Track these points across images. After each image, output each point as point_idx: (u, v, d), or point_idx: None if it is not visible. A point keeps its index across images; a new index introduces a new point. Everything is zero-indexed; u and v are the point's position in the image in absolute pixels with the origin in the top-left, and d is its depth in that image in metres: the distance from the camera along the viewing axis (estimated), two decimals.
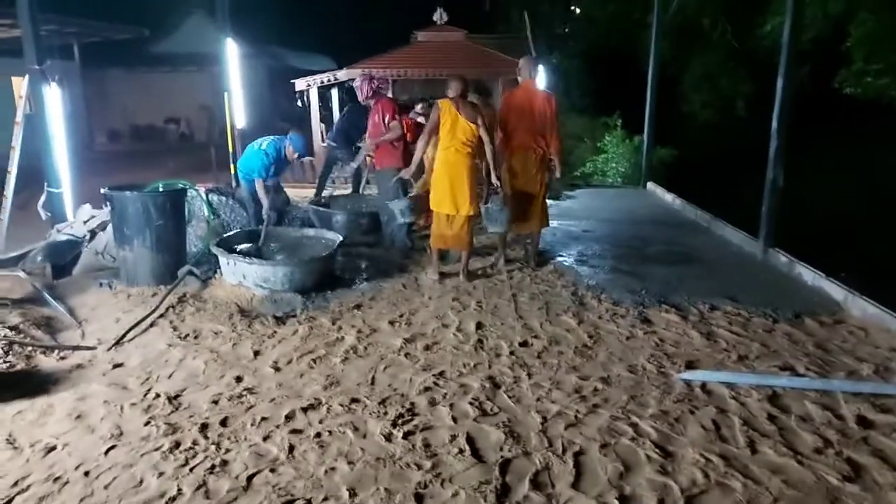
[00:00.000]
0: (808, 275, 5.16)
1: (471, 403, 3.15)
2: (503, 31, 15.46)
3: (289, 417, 3.03)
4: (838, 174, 9.82)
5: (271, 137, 6.10)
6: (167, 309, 4.47)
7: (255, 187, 5.91)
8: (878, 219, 7.80)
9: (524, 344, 3.89)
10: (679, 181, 9.53)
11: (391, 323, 4.25)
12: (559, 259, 5.83)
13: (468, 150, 5.06)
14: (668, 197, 8.94)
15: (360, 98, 5.89)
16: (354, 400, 3.20)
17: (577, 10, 18.97)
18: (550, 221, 5.94)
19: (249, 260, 4.69)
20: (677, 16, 10.49)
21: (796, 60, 5.52)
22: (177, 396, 3.25)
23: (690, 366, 3.58)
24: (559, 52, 13.85)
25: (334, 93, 12.78)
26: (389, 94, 6.05)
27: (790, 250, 5.61)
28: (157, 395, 3.24)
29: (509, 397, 3.23)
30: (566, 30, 19.35)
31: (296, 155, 6.09)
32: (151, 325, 4.21)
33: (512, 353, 3.76)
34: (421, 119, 6.60)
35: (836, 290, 4.77)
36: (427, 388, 3.31)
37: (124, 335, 3.96)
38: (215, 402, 3.19)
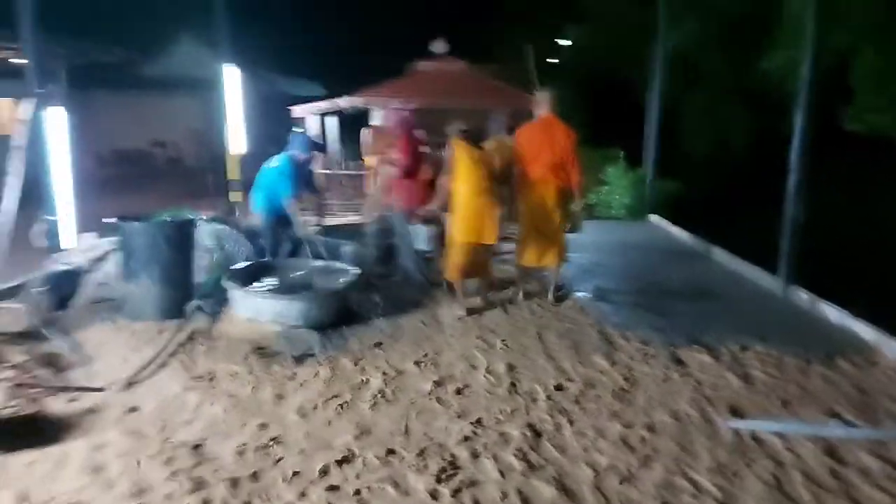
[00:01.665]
0: (833, 313, 5.08)
1: (515, 455, 2.97)
2: (501, 62, 15.53)
3: (323, 472, 2.83)
4: (846, 210, 9.87)
5: (275, 157, 5.96)
6: (177, 347, 4.25)
7: (270, 219, 5.77)
8: (891, 253, 7.78)
9: (559, 388, 3.73)
10: (682, 214, 9.52)
11: (417, 364, 4.07)
12: (578, 294, 5.70)
13: (486, 183, 5.02)
14: (675, 230, 8.89)
15: (390, 128, 5.75)
16: (390, 451, 3.01)
17: (566, 42, 19.15)
18: None
19: (264, 294, 4.49)
20: (673, 50, 10.56)
21: (813, 93, 5.51)
22: (198, 446, 3.03)
23: (734, 411, 3.45)
24: (551, 83, 13.93)
25: (331, 121, 12.68)
26: (415, 130, 5.84)
27: (806, 285, 5.55)
28: (178, 446, 3.02)
29: (554, 447, 3.06)
30: (557, 60, 19.53)
31: (304, 156, 5.94)
32: (162, 364, 3.99)
33: (549, 397, 3.60)
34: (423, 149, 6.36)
35: (864, 330, 4.69)
36: (466, 438, 3.13)
37: (135, 376, 3.73)
38: (241, 454, 2.98)
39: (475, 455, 2.98)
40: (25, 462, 2.83)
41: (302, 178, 5.96)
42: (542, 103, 5.34)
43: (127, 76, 18.78)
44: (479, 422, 3.30)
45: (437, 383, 3.77)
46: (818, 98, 5.61)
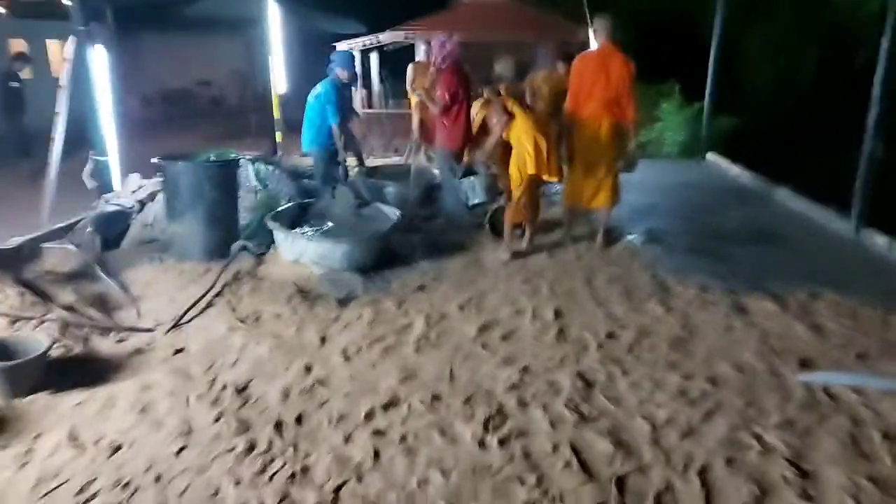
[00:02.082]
0: None
1: (566, 405, 2.84)
2: None
3: (368, 416, 2.77)
4: None
5: (318, 85, 5.82)
6: (222, 287, 4.23)
7: (322, 153, 5.70)
8: None
9: (611, 335, 3.56)
10: (741, 153, 8.99)
11: (460, 308, 3.94)
12: (629, 237, 5.44)
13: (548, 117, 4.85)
14: (734, 169, 8.40)
15: (433, 64, 5.46)
16: (435, 397, 2.92)
17: None
18: None
19: (308, 236, 4.41)
20: None
21: None
22: (244, 388, 3.01)
23: (804, 364, 3.22)
24: (604, 12, 13.08)
25: (373, 58, 12.34)
26: (461, 64, 5.53)
27: (882, 227, 5.15)
28: (224, 386, 3.00)
29: (607, 398, 2.91)
30: None
31: (346, 73, 5.84)
32: (208, 305, 3.98)
33: (600, 345, 3.43)
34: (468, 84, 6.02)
35: None
36: (513, 386, 3.02)
37: (182, 317, 3.73)
38: (286, 396, 2.94)
39: (523, 404, 2.86)
40: (75, 402, 2.85)
41: (343, 104, 5.82)
42: (600, 32, 4.96)
43: (171, 16, 18.64)
44: (526, 369, 3.18)
45: (482, 328, 3.65)
46: None
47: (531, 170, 4.68)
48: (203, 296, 4.02)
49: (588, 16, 10.54)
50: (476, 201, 5.07)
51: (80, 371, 3.11)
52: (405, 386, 3.03)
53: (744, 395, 2.92)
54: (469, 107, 5.43)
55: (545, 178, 4.79)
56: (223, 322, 3.71)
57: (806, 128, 10.20)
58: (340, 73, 5.75)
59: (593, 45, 4.98)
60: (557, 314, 3.85)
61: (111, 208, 5.22)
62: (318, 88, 5.74)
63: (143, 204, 5.27)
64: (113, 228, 5.07)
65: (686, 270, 4.59)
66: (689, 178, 8.10)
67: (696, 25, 10.30)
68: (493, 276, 4.57)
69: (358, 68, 10.87)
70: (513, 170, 4.80)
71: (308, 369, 3.19)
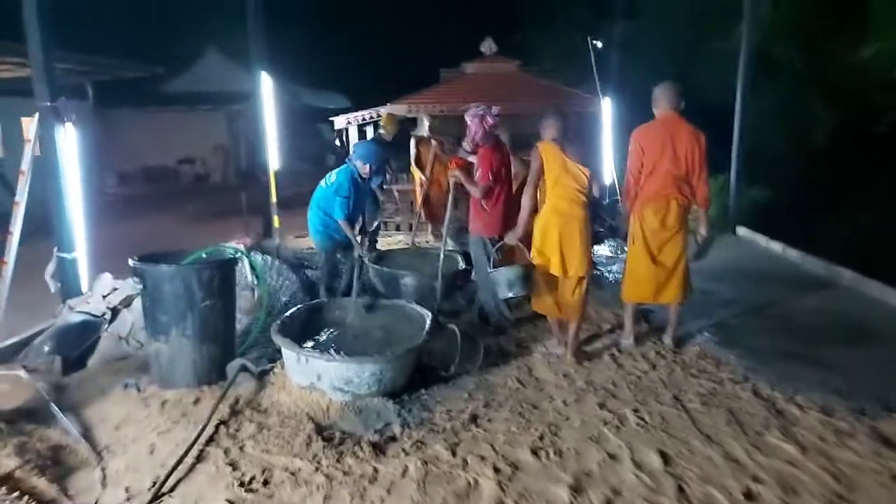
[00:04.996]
0: None
1: None
2: (540, 62, 14.43)
3: None
4: None
5: (338, 169, 5.06)
6: (217, 427, 3.27)
7: (328, 245, 4.91)
8: None
9: (749, 496, 2.66)
10: (769, 226, 8.37)
11: (534, 453, 3.02)
12: (697, 336, 4.61)
13: (583, 198, 4.08)
14: (774, 245, 7.70)
15: (469, 142, 4.66)
16: None
17: (598, 43, 17.83)
18: None
19: (327, 356, 3.50)
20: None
21: None
22: None
23: None
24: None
25: (369, 131, 11.76)
26: (499, 136, 4.80)
27: None
28: None
29: None
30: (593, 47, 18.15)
31: (367, 167, 5.03)
32: (199, 457, 3.01)
33: None
34: (472, 158, 5.28)
35: None
36: None
37: (163, 484, 2.75)
38: None
39: None
40: None
41: (358, 197, 5.04)
42: (662, 99, 4.28)
43: (153, 92, 18.16)
44: None
45: (575, 489, 2.72)
46: None
47: (544, 264, 4.09)
48: (194, 443, 3.05)
49: (598, 85, 10.18)
50: (510, 295, 4.24)
51: None
52: None
53: None
54: (510, 187, 4.67)
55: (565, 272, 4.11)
56: (220, 490, 2.74)
57: (821, 192, 9.69)
58: (361, 166, 5.00)
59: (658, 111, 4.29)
60: (664, 459, 2.95)
61: (76, 318, 4.28)
62: (334, 177, 5.00)
63: (115, 311, 4.33)
64: (78, 344, 4.12)
65: (791, 382, 3.74)
66: (728, 258, 7.35)
67: (706, 92, 9.87)
68: (558, 395, 3.68)
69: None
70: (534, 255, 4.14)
71: None
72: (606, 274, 6.53)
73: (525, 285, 4.16)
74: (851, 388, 3.69)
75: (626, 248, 4.45)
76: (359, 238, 5.15)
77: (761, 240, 8.03)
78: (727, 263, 7.00)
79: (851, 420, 3.29)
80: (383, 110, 9.37)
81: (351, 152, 5.27)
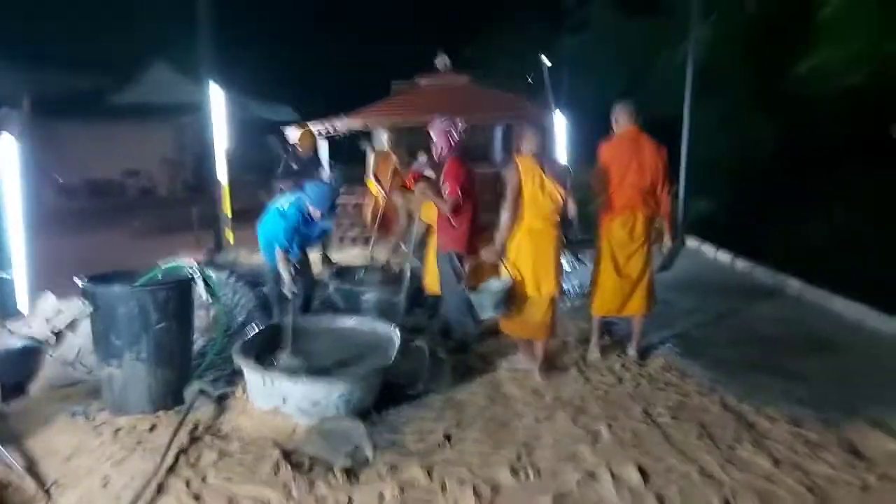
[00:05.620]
0: None
1: None
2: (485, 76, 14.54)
3: None
4: None
5: (294, 196, 4.75)
6: (177, 455, 3.08)
7: (276, 272, 4.59)
8: None
9: None
10: (716, 235, 8.62)
11: (513, 472, 2.95)
12: (661, 347, 4.65)
13: (556, 218, 4.08)
14: (723, 256, 7.92)
15: (436, 154, 4.55)
16: None
17: (546, 61, 18.17)
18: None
19: (295, 378, 3.35)
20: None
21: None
22: None
23: None
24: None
25: (322, 144, 11.55)
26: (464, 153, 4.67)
27: None
28: None
29: None
30: (529, 79, 18.35)
31: (318, 212, 4.62)
32: (159, 489, 2.81)
33: None
34: (428, 172, 5.17)
35: None
36: None
37: None
38: None
39: None
40: None
41: (304, 233, 4.65)
42: (622, 116, 4.34)
43: (98, 104, 17.44)
44: None
45: None
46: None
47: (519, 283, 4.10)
48: (153, 475, 2.85)
49: (552, 98, 10.33)
50: (493, 315, 4.16)
51: None
52: None
53: None
54: (477, 201, 4.61)
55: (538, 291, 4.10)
56: None
57: (772, 204, 10.05)
58: (312, 210, 4.53)
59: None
60: (643, 474, 2.92)
61: (15, 342, 3.98)
62: (286, 206, 4.54)
63: (59, 335, 4.06)
64: (17, 370, 3.83)
65: (757, 394, 3.79)
66: (681, 269, 7.48)
67: (649, 106, 10.13)
68: (528, 412, 3.62)
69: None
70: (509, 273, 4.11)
71: None
72: (567, 287, 6.55)
73: (508, 304, 4.10)
74: (814, 397, 3.77)
75: (584, 262, 4.47)
76: (321, 261, 4.87)
77: (709, 250, 8.25)
78: (680, 274, 7.13)
79: (820, 430, 3.34)
80: (338, 123, 9.24)
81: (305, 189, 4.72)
